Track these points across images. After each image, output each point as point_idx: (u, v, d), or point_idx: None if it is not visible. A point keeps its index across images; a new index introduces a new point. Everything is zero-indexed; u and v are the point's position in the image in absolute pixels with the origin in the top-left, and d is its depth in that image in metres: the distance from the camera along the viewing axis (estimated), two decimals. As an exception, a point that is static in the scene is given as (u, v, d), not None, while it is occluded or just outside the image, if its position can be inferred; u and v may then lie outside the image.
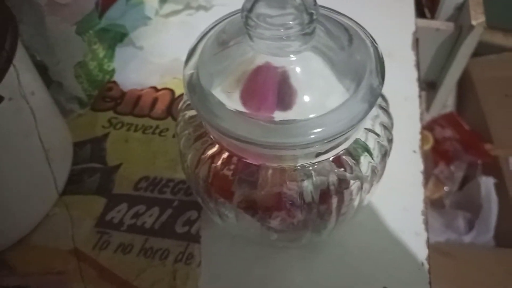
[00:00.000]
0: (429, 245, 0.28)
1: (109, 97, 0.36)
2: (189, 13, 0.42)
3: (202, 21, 0.22)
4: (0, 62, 0.22)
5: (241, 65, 0.20)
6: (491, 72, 0.89)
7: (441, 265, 0.68)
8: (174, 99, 0.36)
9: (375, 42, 0.21)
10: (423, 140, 0.33)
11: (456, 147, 0.82)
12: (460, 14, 0.50)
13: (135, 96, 0.36)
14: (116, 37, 0.36)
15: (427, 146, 0.80)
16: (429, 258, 0.28)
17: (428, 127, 0.85)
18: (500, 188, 0.75)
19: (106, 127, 0.34)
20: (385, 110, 0.24)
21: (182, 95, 0.36)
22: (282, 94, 0.19)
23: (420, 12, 0.52)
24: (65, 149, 0.30)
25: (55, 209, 0.30)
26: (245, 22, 0.19)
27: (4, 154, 0.24)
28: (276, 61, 0.19)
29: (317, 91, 0.20)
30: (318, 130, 0.19)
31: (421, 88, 0.53)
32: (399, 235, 0.29)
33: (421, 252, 0.28)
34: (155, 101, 0.36)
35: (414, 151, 0.32)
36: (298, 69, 0.20)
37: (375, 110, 0.23)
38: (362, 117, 0.20)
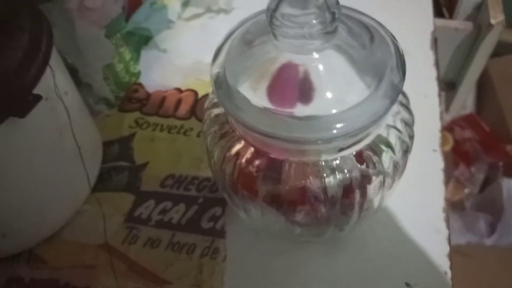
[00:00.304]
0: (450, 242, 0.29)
1: (135, 99, 0.37)
2: (210, 16, 0.43)
3: (222, 24, 0.23)
4: (37, 63, 0.23)
5: (265, 63, 0.21)
6: (510, 72, 0.88)
7: (462, 267, 0.67)
8: (197, 100, 0.37)
9: (396, 40, 0.22)
10: (443, 140, 0.33)
11: (476, 148, 0.81)
12: (478, 13, 0.50)
13: (160, 97, 0.37)
14: (141, 40, 0.38)
15: (447, 147, 0.79)
16: (450, 254, 0.28)
17: (447, 128, 0.84)
18: (522, 190, 0.74)
19: (132, 127, 0.35)
20: (406, 107, 0.24)
21: (205, 96, 0.37)
22: (305, 91, 0.20)
23: (438, 12, 0.52)
24: (95, 147, 0.31)
25: (86, 205, 0.31)
26: (270, 21, 0.19)
27: (41, 151, 0.25)
28: (300, 59, 0.20)
29: (339, 88, 0.20)
30: (341, 125, 0.19)
31: (440, 88, 0.53)
32: (420, 232, 0.29)
33: (442, 249, 0.28)
34: (179, 102, 0.37)
35: (434, 150, 0.33)
36: (320, 66, 0.20)
37: (396, 107, 0.24)
38: (383, 112, 0.20)
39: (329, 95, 0.20)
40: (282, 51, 0.20)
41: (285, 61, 0.20)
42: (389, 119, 0.23)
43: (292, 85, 0.20)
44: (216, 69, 0.22)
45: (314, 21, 0.19)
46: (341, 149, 0.21)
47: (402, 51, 0.21)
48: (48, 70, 0.24)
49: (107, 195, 0.31)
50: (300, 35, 0.19)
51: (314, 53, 0.20)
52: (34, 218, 0.28)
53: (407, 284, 0.27)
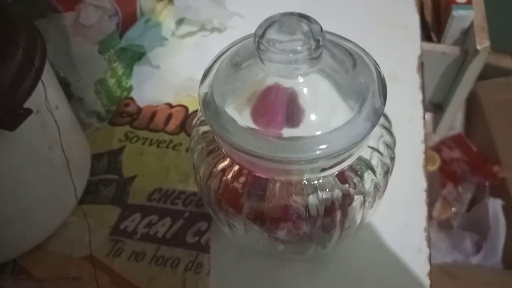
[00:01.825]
0: (433, 263, 0.29)
1: (126, 113, 0.38)
2: (203, 34, 0.44)
3: (216, 43, 0.23)
4: (30, 78, 0.24)
5: (252, 85, 0.21)
6: (499, 95, 0.89)
7: (447, 286, 0.67)
8: (187, 116, 0.37)
9: (378, 66, 0.23)
10: (430, 160, 0.34)
11: (463, 168, 0.82)
12: (465, 39, 0.52)
13: (151, 112, 0.37)
14: (135, 56, 0.38)
15: (434, 167, 0.81)
16: (430, 274, 0.29)
17: (435, 148, 0.85)
18: (508, 210, 0.75)
19: (122, 140, 0.36)
20: (388, 130, 0.25)
21: (195, 111, 0.38)
22: (290, 113, 0.21)
23: (426, 36, 0.53)
24: (84, 160, 0.32)
25: (72, 217, 0.31)
26: (257, 47, 0.20)
27: (30, 164, 0.26)
28: (285, 83, 0.21)
29: (323, 111, 0.21)
30: (324, 146, 0.20)
31: (428, 109, 0.55)
32: (402, 251, 0.29)
33: (423, 268, 0.29)
34: (169, 117, 0.37)
35: (418, 171, 0.33)
36: (305, 90, 0.21)
37: (378, 130, 0.25)
38: (365, 135, 0.21)
39: (313, 117, 0.21)
40: (269, 75, 0.21)
41: (272, 84, 0.21)
42: (371, 141, 0.24)
43: (278, 108, 0.21)
44: (204, 89, 0.22)
45: (299, 48, 0.20)
46: (323, 169, 0.22)
47: (383, 76, 0.22)
48: (40, 84, 0.25)
49: (94, 207, 0.32)
50: (286, 60, 0.20)
51: (300, 77, 0.21)
52: (20, 229, 0.28)
53: (387, 303, 0.27)
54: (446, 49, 0.52)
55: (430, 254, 0.29)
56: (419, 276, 0.28)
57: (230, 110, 0.21)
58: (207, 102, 0.22)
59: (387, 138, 0.25)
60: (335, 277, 0.28)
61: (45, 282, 0.29)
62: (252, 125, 0.21)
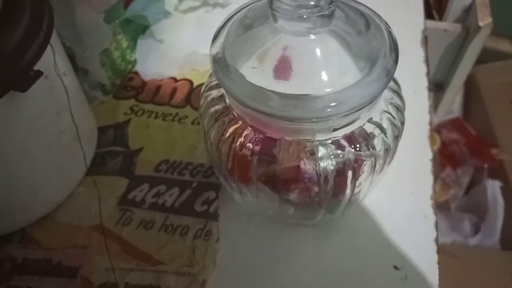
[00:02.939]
0: (438, 227, 0.29)
1: (130, 87, 0.37)
2: (206, 9, 0.43)
3: (218, 18, 0.23)
4: (39, 40, 0.23)
5: (264, 44, 0.21)
6: (496, 78, 0.90)
7: (447, 266, 0.68)
8: (192, 89, 0.37)
9: (389, 27, 0.23)
10: (431, 139, 0.34)
11: (462, 150, 0.83)
12: (467, 16, 0.52)
13: (156, 86, 0.37)
14: (139, 29, 0.38)
15: (435, 147, 0.81)
16: (437, 239, 0.29)
17: (435, 130, 0.86)
18: (506, 192, 0.76)
19: (128, 113, 0.36)
20: (398, 94, 0.25)
21: (200, 85, 0.37)
22: (302, 70, 0.21)
23: (428, 14, 0.53)
24: (91, 130, 0.32)
25: (80, 188, 0.31)
26: (270, 3, 0.20)
27: (39, 130, 0.26)
28: (297, 41, 0.21)
29: (333, 70, 0.21)
30: (335, 104, 0.20)
31: (429, 89, 0.54)
32: (408, 219, 0.30)
33: (430, 234, 0.29)
34: (174, 90, 0.37)
35: (423, 141, 0.34)
36: (316, 49, 0.21)
37: (389, 93, 0.25)
38: (377, 94, 0.21)
39: (323, 76, 0.21)
40: (281, 33, 0.21)
41: (283, 43, 0.21)
42: (382, 104, 0.24)
43: (290, 65, 0.21)
44: (215, 49, 0.22)
45: (312, 3, 0.20)
46: (335, 129, 0.22)
47: (395, 38, 0.22)
48: (48, 48, 0.24)
49: (102, 178, 0.32)
50: (298, 17, 0.20)
51: (311, 35, 0.21)
52: (28, 198, 0.28)
53: (395, 267, 0.27)
54: (448, 26, 0.52)
55: (436, 221, 0.30)
56: (426, 242, 0.29)
57: (242, 69, 0.21)
58: (219, 61, 0.22)
59: (397, 101, 0.25)
60: (343, 243, 0.29)
61: (53, 251, 0.29)
62: (264, 82, 0.21)
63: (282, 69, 0.21)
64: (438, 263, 0.28)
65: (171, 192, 0.31)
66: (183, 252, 0.28)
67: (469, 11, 0.51)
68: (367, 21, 0.22)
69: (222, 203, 0.30)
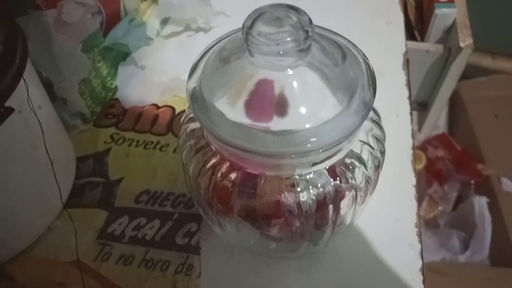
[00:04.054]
0: (423, 257, 0.29)
1: (111, 114, 0.37)
2: (188, 34, 0.43)
3: (201, 42, 0.23)
4: (11, 75, 0.23)
5: (241, 78, 0.21)
6: (480, 94, 0.91)
7: (437, 284, 0.68)
8: (174, 116, 0.37)
9: (367, 59, 0.23)
10: (416, 159, 0.34)
11: (448, 166, 0.83)
12: (448, 37, 0.52)
13: (137, 113, 0.37)
14: (119, 56, 0.38)
15: (420, 165, 0.81)
16: (423, 269, 0.28)
17: (421, 147, 0.86)
18: (493, 207, 0.76)
19: (108, 142, 0.35)
20: (378, 124, 0.25)
21: (182, 112, 0.37)
22: (280, 106, 0.21)
23: (410, 35, 0.54)
24: (69, 162, 0.31)
25: (57, 221, 0.30)
26: (245, 38, 0.20)
27: (12, 165, 0.25)
28: (274, 75, 0.21)
29: (312, 104, 0.21)
30: (314, 139, 0.20)
31: (413, 108, 0.55)
32: (394, 247, 0.29)
33: (415, 263, 0.28)
34: (156, 117, 0.37)
35: (406, 166, 0.33)
36: (294, 83, 0.21)
37: (368, 124, 0.24)
38: (355, 127, 0.21)
39: (303, 110, 0.21)
40: (258, 68, 0.21)
41: (261, 77, 0.21)
42: (361, 135, 0.24)
43: (267, 101, 0.21)
44: (192, 84, 0.22)
45: (288, 39, 0.20)
46: (314, 164, 0.22)
47: (373, 69, 0.22)
48: (21, 82, 0.24)
49: (80, 211, 0.31)
50: (275, 52, 0.20)
51: (289, 70, 0.21)
52: (3, 234, 0.27)
53: (381, 299, 0.27)
54: (430, 47, 0.52)
55: (422, 250, 0.29)
56: (412, 271, 0.28)
57: (219, 104, 0.21)
58: (196, 96, 0.21)
59: (377, 131, 0.25)
60: (327, 273, 0.28)
61: (29, 289, 0.28)
62: (241, 119, 0.20)
63: (261, 105, 0.21)
64: (424, 293, 0.27)
65: (151, 225, 0.30)
66: (164, 288, 0.27)
67: (450, 32, 0.52)
68: (344, 53, 0.22)
69: (204, 235, 0.29)
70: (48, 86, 0.32)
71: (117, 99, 0.38)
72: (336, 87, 0.21)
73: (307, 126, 0.20)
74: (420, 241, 0.30)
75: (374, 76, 0.22)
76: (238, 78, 0.21)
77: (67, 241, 0.29)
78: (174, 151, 0.34)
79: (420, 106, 0.60)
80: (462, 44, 0.48)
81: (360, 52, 0.23)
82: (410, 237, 0.30)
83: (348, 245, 0.29)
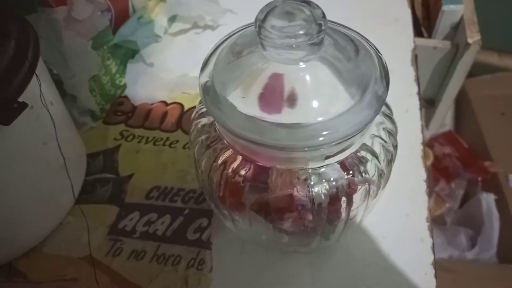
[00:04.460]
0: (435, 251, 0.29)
1: (120, 111, 0.37)
2: (196, 32, 0.43)
3: (208, 40, 0.23)
4: (23, 71, 0.23)
5: (253, 72, 0.21)
6: (487, 91, 0.91)
7: (445, 281, 0.67)
8: (183, 113, 0.37)
9: (379, 53, 0.23)
10: (424, 155, 0.34)
11: (456, 164, 0.83)
12: (456, 33, 0.52)
13: (146, 110, 0.37)
14: (128, 53, 0.38)
15: (428, 162, 0.81)
16: (435, 263, 0.28)
17: (428, 144, 0.86)
18: (500, 204, 0.76)
19: (117, 139, 0.35)
20: (390, 118, 0.25)
21: (191, 109, 0.37)
22: (291, 99, 0.21)
23: (417, 31, 0.54)
24: (80, 158, 0.31)
25: (69, 217, 0.30)
26: (258, 32, 0.20)
27: (25, 161, 0.25)
28: (287, 69, 0.21)
29: (324, 97, 0.21)
30: (327, 132, 0.20)
31: (420, 105, 0.54)
32: (405, 242, 0.29)
33: (427, 258, 0.28)
34: (165, 114, 0.37)
35: (417, 161, 0.33)
36: (306, 76, 0.21)
37: (380, 117, 0.24)
38: (368, 121, 0.21)
39: (314, 104, 0.21)
40: (270, 61, 0.21)
41: (273, 71, 0.21)
42: (373, 129, 0.24)
43: (279, 94, 0.21)
44: (204, 78, 0.22)
45: (301, 32, 0.20)
46: (327, 157, 0.22)
47: (386, 63, 0.22)
48: (34, 78, 0.24)
49: (91, 207, 0.31)
50: (287, 46, 0.20)
51: (301, 63, 0.21)
52: (15, 230, 0.27)
53: (393, 293, 0.27)
54: (437, 43, 0.52)
55: (433, 244, 0.29)
56: (424, 266, 0.28)
57: (231, 97, 0.21)
58: (208, 90, 0.21)
59: (388, 125, 0.25)
60: (339, 269, 0.28)
61: (42, 285, 0.28)
62: (253, 112, 0.20)
63: (272, 98, 0.21)
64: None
65: (162, 220, 0.30)
66: (176, 283, 0.27)
67: (457, 28, 0.52)
68: (356, 47, 0.22)
69: (215, 230, 0.29)
70: (58, 83, 0.32)
71: (126, 97, 0.38)
72: (348, 81, 0.21)
73: (319, 119, 0.20)
74: (432, 236, 0.29)
75: (387, 70, 0.22)
76: (250, 72, 0.21)
77: (79, 237, 0.29)
78: (184, 147, 0.35)
79: (428, 103, 0.59)
80: (470, 40, 0.48)
81: (372, 46, 0.23)
82: (422, 231, 0.30)
83: (359, 241, 0.29)
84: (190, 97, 0.38)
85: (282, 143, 0.20)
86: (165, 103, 0.38)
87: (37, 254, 0.29)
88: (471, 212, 0.79)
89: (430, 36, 0.54)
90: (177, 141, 0.35)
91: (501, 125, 0.86)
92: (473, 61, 0.51)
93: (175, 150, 0.34)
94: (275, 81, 0.21)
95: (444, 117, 0.65)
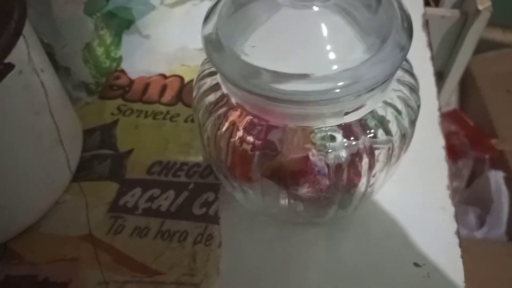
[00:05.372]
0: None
1: (117, 86, 0.35)
2: (193, 3, 0.41)
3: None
4: (9, 31, 0.21)
5: (263, 20, 0.19)
6: (492, 69, 0.89)
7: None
8: (183, 85, 0.35)
9: (402, 2, 0.21)
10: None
11: (463, 141, 0.81)
12: (464, 1, 0.50)
13: (144, 84, 0.35)
14: (123, 24, 0.36)
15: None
16: (458, 232, 0.27)
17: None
18: (509, 182, 0.74)
19: (115, 114, 0.33)
20: (410, 73, 0.23)
21: (191, 81, 0.35)
22: (305, 47, 0.19)
23: (424, 1, 0.52)
24: (75, 132, 0.29)
25: (65, 195, 0.28)
26: (269, -28, 0.18)
27: (15, 133, 0.23)
28: (299, 14, 0.19)
29: (340, 45, 0.19)
30: (346, 83, 0.18)
31: (434, 70, 0.52)
32: (425, 211, 0.27)
33: (450, 227, 0.27)
34: (164, 88, 0.35)
35: (435, 128, 0.31)
36: (321, 22, 0.19)
37: (400, 72, 0.22)
38: (391, 71, 0.19)
39: (330, 52, 0.19)
40: (281, 8, 0.19)
41: (284, 17, 0.19)
42: (394, 84, 0.22)
43: (291, 42, 0.19)
44: (207, 30, 0.20)
45: (315, -29, 0.18)
46: (346, 113, 0.20)
47: (408, 13, 0.20)
48: (21, 40, 0.22)
49: (89, 184, 0.29)
50: (301, -13, 0.18)
51: (314, 7, 0.19)
52: (8, 209, 0.25)
53: (416, 264, 0.25)
54: (446, 12, 0.50)
55: (455, 212, 0.27)
56: (447, 235, 0.26)
57: (240, 49, 0.19)
58: (212, 43, 0.19)
59: (410, 80, 0.23)
60: (356, 240, 0.26)
61: (39, 266, 0.26)
62: (265, 63, 0.18)
63: (284, 46, 0.19)
64: (462, 257, 0.25)
65: (166, 196, 0.28)
66: (183, 260, 0.25)
67: (466, -4, 0.50)
68: (377, -6, 0.20)
69: (222, 204, 0.28)
70: (50, 56, 0.30)
71: (122, 70, 0.36)
72: (366, 31, 0.19)
73: (337, 69, 0.18)
74: (453, 204, 0.28)
75: (410, 20, 0.20)
76: (259, 21, 0.19)
77: (77, 215, 0.28)
78: (185, 121, 0.33)
79: (436, 76, 0.57)
80: (480, 7, 0.46)
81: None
82: (443, 200, 0.28)
83: (376, 212, 0.27)
84: (190, 69, 0.36)
85: (296, 97, 0.18)
86: (163, 76, 0.35)
87: (33, 234, 0.27)
88: (479, 191, 0.77)
89: (437, 5, 0.52)
90: (178, 115, 0.33)
91: (507, 102, 0.84)
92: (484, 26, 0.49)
93: (176, 123, 0.32)
94: (287, 28, 0.19)
95: (453, 92, 0.63)
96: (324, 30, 0.19)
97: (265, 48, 0.19)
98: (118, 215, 0.27)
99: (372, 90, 0.19)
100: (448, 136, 0.83)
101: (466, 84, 0.90)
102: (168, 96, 0.34)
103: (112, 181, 0.29)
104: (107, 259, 0.26)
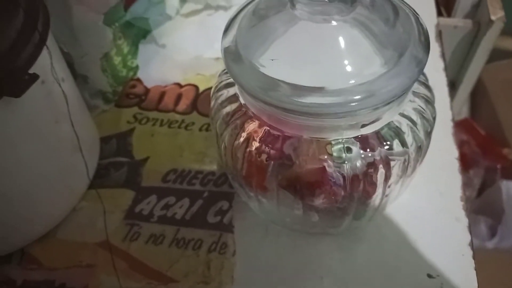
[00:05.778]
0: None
1: (133, 94, 0.35)
2: (208, 13, 0.42)
3: (221, 21, 0.21)
4: (34, 42, 0.21)
5: (282, 33, 0.19)
6: (503, 77, 0.88)
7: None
8: (198, 94, 0.35)
9: (418, 16, 0.21)
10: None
11: (474, 150, 0.80)
12: (477, 11, 0.50)
13: (159, 93, 0.35)
14: (140, 34, 0.36)
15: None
16: (472, 243, 0.27)
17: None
18: (521, 192, 0.73)
19: (131, 122, 0.33)
20: (426, 85, 0.23)
21: (206, 90, 0.35)
22: (323, 61, 0.19)
23: (436, 11, 0.52)
24: (93, 140, 0.30)
25: (83, 202, 0.29)
26: (289, -12, 0.18)
27: (35, 140, 0.24)
28: (317, 28, 0.19)
29: (358, 59, 0.19)
30: (364, 96, 0.18)
31: (448, 81, 0.53)
32: (439, 222, 0.27)
33: (463, 238, 0.27)
34: (179, 96, 0.35)
35: (448, 139, 0.31)
36: (339, 36, 0.19)
37: (416, 85, 0.23)
38: (408, 85, 0.19)
39: (348, 66, 0.19)
40: (299, 21, 0.19)
41: (302, 31, 0.19)
42: (410, 97, 0.22)
43: (309, 55, 0.19)
44: (227, 42, 0.20)
45: (333, -13, 0.18)
46: (363, 125, 0.20)
47: (425, 27, 0.21)
48: (45, 51, 0.22)
49: (105, 191, 0.29)
50: (319, 2, 0.18)
51: (333, 22, 0.19)
52: (27, 214, 0.26)
53: (429, 276, 0.25)
54: (458, 22, 0.50)
55: (469, 224, 0.27)
56: (460, 246, 0.26)
57: (258, 61, 0.19)
58: (232, 54, 0.20)
59: (426, 92, 0.23)
60: (370, 250, 0.26)
61: (56, 271, 0.26)
62: (283, 75, 0.19)
63: (302, 60, 0.19)
64: (476, 269, 0.25)
65: (181, 204, 0.28)
66: (197, 268, 0.26)
67: (478, 7, 0.50)
68: (395, 8, 0.21)
69: (236, 213, 0.28)
70: (68, 65, 0.30)
71: (138, 79, 0.36)
72: (384, 45, 0.20)
73: (355, 83, 0.18)
74: (467, 215, 0.28)
75: (427, 32, 0.20)
76: (278, 34, 0.20)
77: (94, 222, 0.28)
78: (200, 129, 0.33)
79: (448, 85, 0.57)
80: (493, 17, 0.46)
81: (410, 8, 0.21)
82: (456, 211, 0.28)
83: (391, 222, 0.27)
84: (205, 79, 0.36)
85: (314, 110, 0.18)
86: (179, 85, 0.36)
87: (51, 240, 0.28)
88: (491, 201, 0.77)
89: (449, 15, 0.52)
90: (193, 123, 0.33)
91: (519, 111, 0.84)
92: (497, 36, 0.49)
93: (191, 132, 0.33)
94: (305, 41, 0.19)
95: (465, 101, 0.63)
96: (342, 43, 0.19)
97: (283, 61, 0.19)
98: (134, 222, 0.28)
99: (389, 103, 0.19)
100: (459, 145, 0.83)
101: (477, 93, 0.90)
102: (183, 105, 0.35)
103: (128, 188, 0.30)
104: (123, 266, 0.26)
